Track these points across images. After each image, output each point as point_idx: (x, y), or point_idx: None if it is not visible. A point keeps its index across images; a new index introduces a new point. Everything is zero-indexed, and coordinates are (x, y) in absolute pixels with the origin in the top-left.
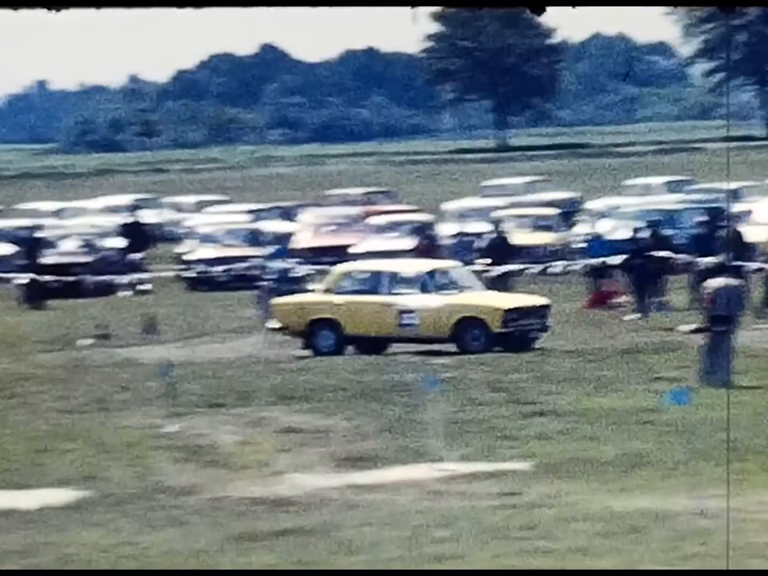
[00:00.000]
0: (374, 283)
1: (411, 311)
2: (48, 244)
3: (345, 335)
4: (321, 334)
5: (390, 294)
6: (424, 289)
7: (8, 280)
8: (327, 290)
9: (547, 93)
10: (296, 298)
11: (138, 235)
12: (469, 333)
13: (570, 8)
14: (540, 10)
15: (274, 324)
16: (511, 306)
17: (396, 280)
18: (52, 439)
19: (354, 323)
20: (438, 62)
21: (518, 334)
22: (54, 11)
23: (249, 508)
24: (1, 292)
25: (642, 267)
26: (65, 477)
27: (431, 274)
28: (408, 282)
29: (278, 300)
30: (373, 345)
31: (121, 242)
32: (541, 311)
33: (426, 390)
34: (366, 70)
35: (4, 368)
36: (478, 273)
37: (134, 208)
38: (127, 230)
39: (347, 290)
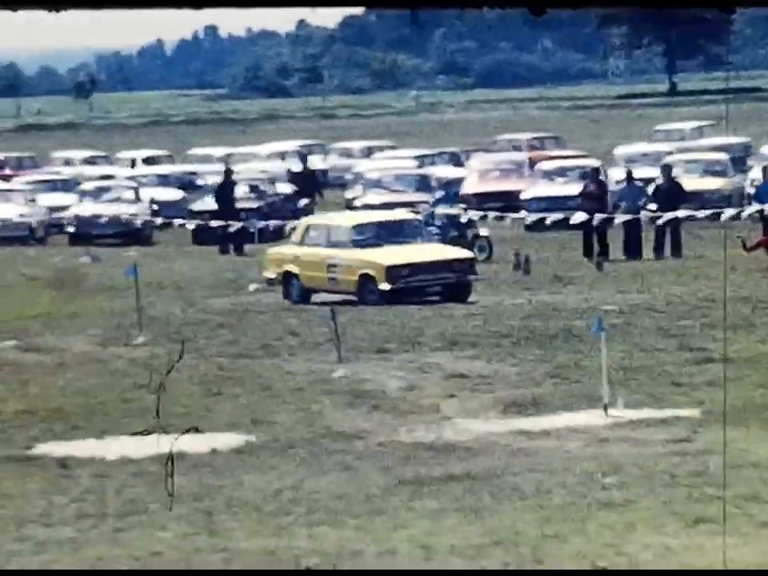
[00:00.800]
0: (322, 236)
1: (335, 265)
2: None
3: (303, 287)
4: (291, 285)
5: (328, 247)
6: (356, 242)
7: (181, 225)
8: (295, 242)
9: (719, 36)
10: (277, 249)
11: (306, 181)
12: (367, 289)
13: None
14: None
15: (268, 274)
16: (396, 263)
17: (337, 234)
18: (221, 384)
19: (305, 275)
20: (607, 5)
21: (412, 290)
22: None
23: (416, 453)
24: (172, 237)
25: None
26: (233, 421)
27: (368, 227)
28: (346, 235)
29: (268, 250)
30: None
31: (289, 188)
32: (454, 265)
33: (594, 336)
34: None
35: (175, 313)
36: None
37: (301, 153)
38: (295, 176)
39: (306, 242)
